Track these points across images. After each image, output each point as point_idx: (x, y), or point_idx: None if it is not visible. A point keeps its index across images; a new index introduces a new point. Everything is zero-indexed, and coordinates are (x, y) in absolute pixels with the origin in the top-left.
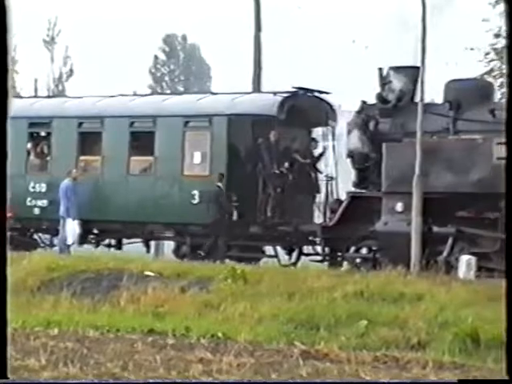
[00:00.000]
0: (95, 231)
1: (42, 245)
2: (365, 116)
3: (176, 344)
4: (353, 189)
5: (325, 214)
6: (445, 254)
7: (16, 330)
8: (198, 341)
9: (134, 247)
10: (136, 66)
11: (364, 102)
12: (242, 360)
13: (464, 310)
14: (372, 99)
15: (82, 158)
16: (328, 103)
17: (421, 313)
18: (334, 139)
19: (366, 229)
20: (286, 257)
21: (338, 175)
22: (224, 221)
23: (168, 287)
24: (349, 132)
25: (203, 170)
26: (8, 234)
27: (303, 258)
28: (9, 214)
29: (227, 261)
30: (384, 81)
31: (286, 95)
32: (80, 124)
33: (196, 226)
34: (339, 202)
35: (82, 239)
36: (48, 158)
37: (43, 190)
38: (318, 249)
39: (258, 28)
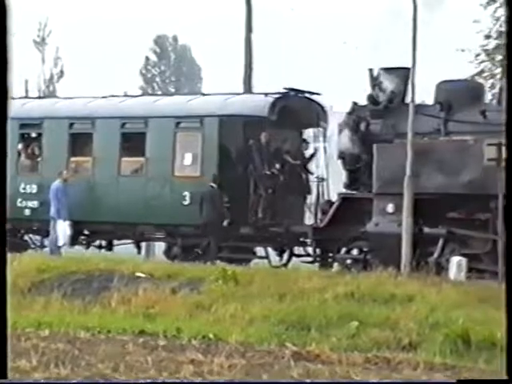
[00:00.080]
0: (86, 232)
1: (32, 246)
2: (356, 117)
3: (167, 345)
4: (344, 190)
5: (316, 215)
6: (435, 255)
7: None
8: (189, 342)
9: (124, 248)
10: (127, 66)
11: (355, 103)
12: (233, 361)
13: (455, 311)
14: (363, 100)
15: (72, 159)
16: (319, 104)
17: (412, 314)
18: (325, 140)
19: (357, 230)
20: (277, 258)
21: (329, 176)
22: (216, 222)
23: (159, 288)
24: (340, 133)
25: (194, 171)
26: None
27: (294, 259)
28: None
29: (218, 262)
30: (375, 82)
31: (277, 96)
32: (71, 125)
33: (187, 226)
34: (330, 203)
35: (73, 240)
36: (39, 159)
37: (34, 191)
38: (309, 250)
39: (249, 29)
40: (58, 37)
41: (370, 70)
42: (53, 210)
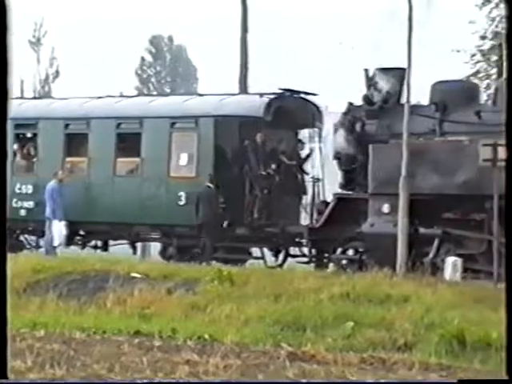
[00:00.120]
0: (82, 233)
1: (28, 246)
2: (351, 117)
3: (162, 346)
4: (339, 190)
5: (311, 215)
6: (431, 255)
7: None
8: (185, 342)
9: (120, 249)
10: (122, 67)
11: (351, 104)
12: (229, 361)
13: (450, 311)
14: (359, 100)
15: (68, 159)
16: (314, 105)
17: (407, 314)
18: (320, 141)
19: (353, 230)
20: (273, 258)
21: (324, 177)
22: (211, 222)
23: (154, 289)
24: (335, 133)
25: (190, 172)
26: None
27: (290, 259)
28: None
29: (213, 262)
30: (370, 82)
31: (272, 97)
32: (66, 125)
33: (182, 227)
34: (326, 203)
35: (69, 241)
36: (34, 160)
37: (29, 191)
38: (305, 250)
39: (245, 29)
40: (54, 37)
41: (366, 71)
42: (48, 211)
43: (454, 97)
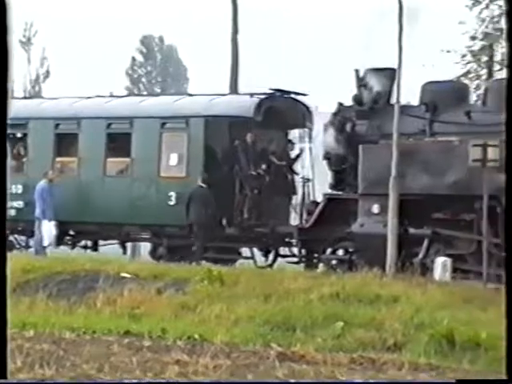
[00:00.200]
0: (71, 233)
1: (17, 246)
2: (341, 118)
3: (152, 346)
4: (329, 190)
5: (301, 215)
6: (420, 255)
7: None
8: (175, 343)
9: (110, 249)
10: (113, 67)
11: (341, 104)
12: (219, 362)
13: (440, 311)
14: (349, 101)
15: (58, 159)
16: (305, 105)
17: (397, 314)
18: (310, 141)
19: (343, 230)
20: (263, 258)
21: (314, 177)
22: (201, 222)
23: (144, 289)
24: (325, 134)
25: (180, 172)
26: None
27: (279, 259)
28: None
29: (203, 262)
30: (361, 82)
31: (262, 97)
32: (56, 125)
33: (172, 227)
34: (316, 203)
35: (58, 241)
36: (24, 160)
37: (19, 191)
38: (295, 250)
39: (236, 30)
40: (44, 37)
41: (356, 71)
42: (38, 211)
43: (444, 97)
